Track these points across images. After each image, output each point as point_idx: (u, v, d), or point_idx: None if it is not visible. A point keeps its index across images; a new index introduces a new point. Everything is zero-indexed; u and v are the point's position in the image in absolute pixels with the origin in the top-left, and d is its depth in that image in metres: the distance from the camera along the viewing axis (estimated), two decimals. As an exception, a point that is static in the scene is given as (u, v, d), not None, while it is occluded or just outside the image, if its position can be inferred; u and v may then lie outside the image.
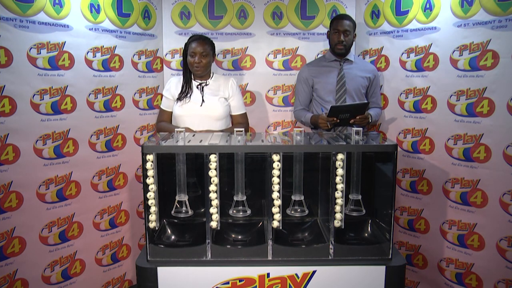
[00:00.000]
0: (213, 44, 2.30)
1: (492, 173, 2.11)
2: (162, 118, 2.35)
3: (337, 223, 1.62)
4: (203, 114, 2.25)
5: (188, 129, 2.15)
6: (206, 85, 2.30)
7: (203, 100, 2.25)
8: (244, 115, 2.41)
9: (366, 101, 2.40)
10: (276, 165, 1.56)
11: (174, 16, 2.63)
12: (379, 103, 2.54)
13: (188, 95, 2.26)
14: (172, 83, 2.32)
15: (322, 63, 2.51)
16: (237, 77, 2.70)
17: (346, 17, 2.40)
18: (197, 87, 2.29)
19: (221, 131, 2.22)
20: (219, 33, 2.67)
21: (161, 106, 2.36)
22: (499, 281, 2.14)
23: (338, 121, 2.22)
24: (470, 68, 2.15)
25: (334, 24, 2.40)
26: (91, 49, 2.23)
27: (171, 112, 2.32)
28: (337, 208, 1.61)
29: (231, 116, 2.38)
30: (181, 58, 2.66)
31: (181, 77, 2.33)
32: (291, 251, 1.66)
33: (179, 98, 2.26)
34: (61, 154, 2.16)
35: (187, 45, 2.26)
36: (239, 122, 2.38)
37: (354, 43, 2.54)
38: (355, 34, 2.46)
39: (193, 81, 2.30)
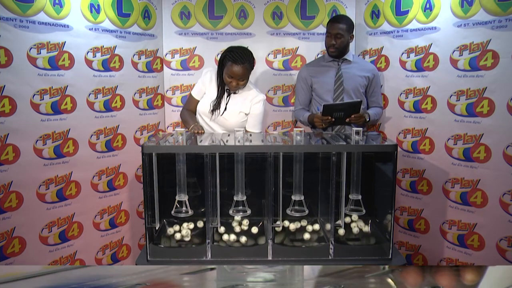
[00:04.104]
0: (254, 61, 2.15)
1: (492, 173, 2.11)
2: (189, 106, 2.30)
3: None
4: (218, 122, 2.21)
5: (200, 128, 2.09)
6: (234, 93, 2.23)
7: (225, 109, 2.20)
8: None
9: (359, 100, 2.38)
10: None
11: (174, 16, 2.63)
12: (379, 103, 2.54)
13: (217, 102, 2.20)
14: (207, 77, 2.23)
15: (321, 63, 2.51)
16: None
17: (339, 19, 2.39)
18: (226, 91, 2.22)
19: None
20: (219, 33, 2.67)
21: (192, 93, 2.29)
22: (499, 281, 2.14)
23: (333, 120, 2.23)
24: (470, 68, 2.15)
25: (328, 27, 2.40)
26: (91, 49, 2.23)
27: (198, 101, 2.27)
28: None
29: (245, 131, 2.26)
30: (182, 58, 2.67)
31: (216, 74, 2.23)
32: (291, 251, 1.66)
33: (213, 110, 2.18)
34: (61, 154, 2.16)
35: (225, 61, 2.10)
36: None
37: (354, 43, 2.53)
38: (353, 35, 2.45)
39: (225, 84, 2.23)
